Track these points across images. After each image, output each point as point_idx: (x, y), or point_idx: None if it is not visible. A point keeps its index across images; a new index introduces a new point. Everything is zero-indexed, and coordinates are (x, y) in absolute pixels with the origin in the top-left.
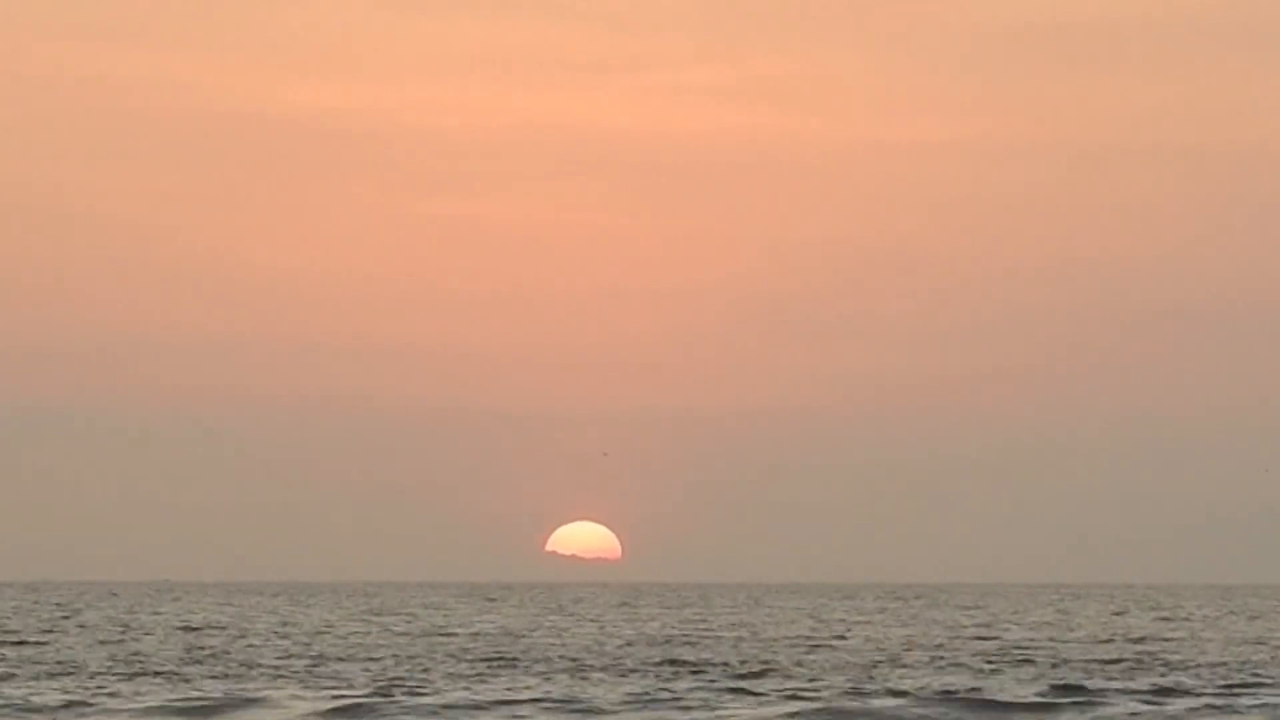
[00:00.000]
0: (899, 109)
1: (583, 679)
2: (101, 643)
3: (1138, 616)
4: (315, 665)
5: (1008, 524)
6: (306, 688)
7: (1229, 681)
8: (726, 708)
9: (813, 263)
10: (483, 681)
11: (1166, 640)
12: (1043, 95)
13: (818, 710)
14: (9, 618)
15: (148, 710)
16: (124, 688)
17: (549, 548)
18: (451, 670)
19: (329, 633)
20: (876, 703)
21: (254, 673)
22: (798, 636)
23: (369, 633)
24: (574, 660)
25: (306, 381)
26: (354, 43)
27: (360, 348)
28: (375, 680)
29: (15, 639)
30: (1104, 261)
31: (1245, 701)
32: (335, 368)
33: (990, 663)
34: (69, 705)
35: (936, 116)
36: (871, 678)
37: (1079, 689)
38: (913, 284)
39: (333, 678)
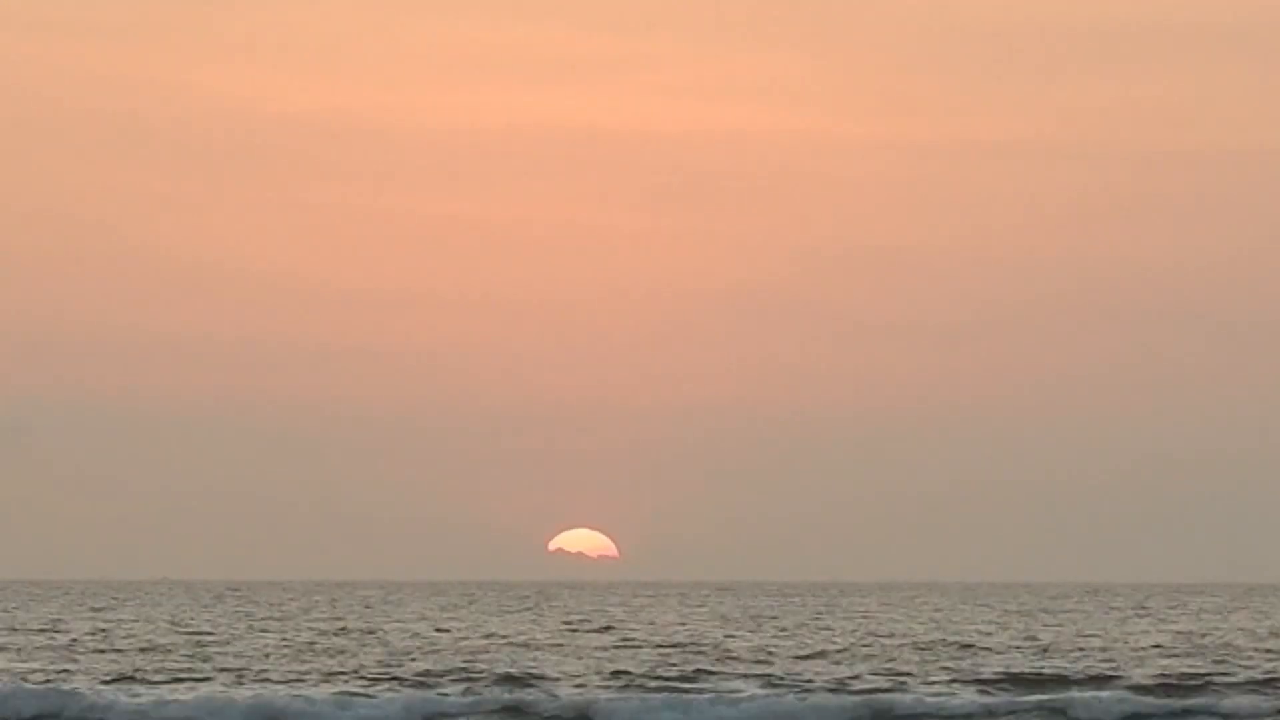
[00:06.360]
0: (897, 108)
1: None
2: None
3: None
4: None
5: (1010, 522)
6: None
7: None
8: None
9: (814, 263)
10: None
11: None
12: (1044, 95)
13: None
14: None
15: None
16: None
17: (553, 546)
18: None
19: None
20: None
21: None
22: None
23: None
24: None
25: (308, 384)
26: (354, 43)
27: (360, 348)
28: None
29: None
30: (1119, 261)
31: None
32: (336, 369)
33: None
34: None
35: (937, 116)
36: None
37: None
38: (917, 285)
39: None
